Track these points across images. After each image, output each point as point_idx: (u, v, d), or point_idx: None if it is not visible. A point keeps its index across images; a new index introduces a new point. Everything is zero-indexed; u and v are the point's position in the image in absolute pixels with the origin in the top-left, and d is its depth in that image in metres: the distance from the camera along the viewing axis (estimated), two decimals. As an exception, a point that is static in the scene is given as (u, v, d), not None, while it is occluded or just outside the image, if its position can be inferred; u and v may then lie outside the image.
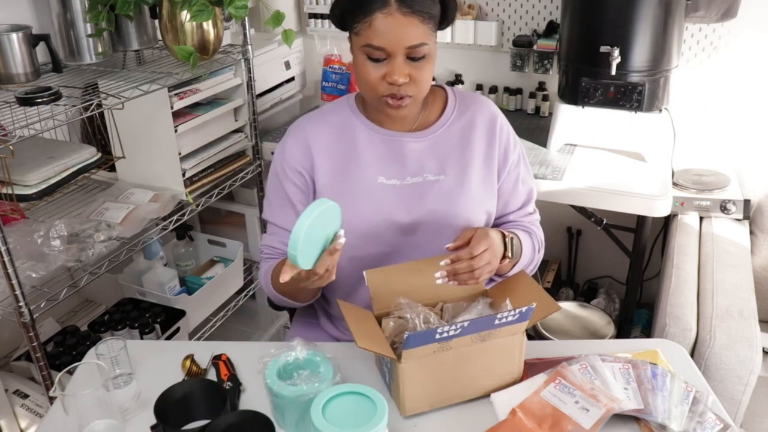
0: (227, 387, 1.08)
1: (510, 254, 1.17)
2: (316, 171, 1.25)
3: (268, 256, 1.32)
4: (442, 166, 1.25)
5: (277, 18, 1.64)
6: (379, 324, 1.10)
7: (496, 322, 0.97)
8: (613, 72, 1.76)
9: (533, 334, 1.99)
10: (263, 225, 2.22)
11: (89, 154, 1.63)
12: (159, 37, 1.76)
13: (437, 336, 0.95)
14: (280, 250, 1.30)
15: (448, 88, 1.31)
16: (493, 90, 2.37)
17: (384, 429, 0.90)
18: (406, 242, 1.24)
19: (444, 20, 1.16)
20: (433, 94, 1.28)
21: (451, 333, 0.95)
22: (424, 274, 1.14)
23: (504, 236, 1.17)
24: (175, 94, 1.71)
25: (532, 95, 2.32)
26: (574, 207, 1.93)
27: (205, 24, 1.66)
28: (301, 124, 1.30)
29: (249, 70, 1.95)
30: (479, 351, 1.01)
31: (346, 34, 1.18)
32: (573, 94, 1.90)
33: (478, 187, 1.25)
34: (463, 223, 1.24)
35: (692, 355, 1.49)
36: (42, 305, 1.43)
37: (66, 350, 1.68)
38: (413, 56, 1.11)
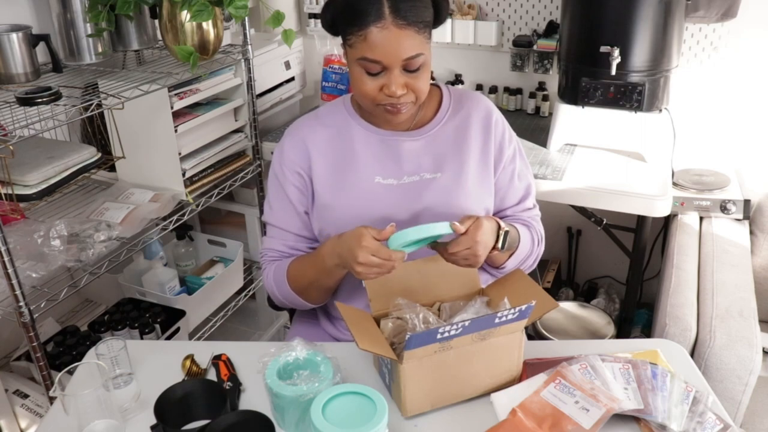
0: (227, 387, 1.08)
1: (500, 246, 1.15)
2: (313, 172, 1.25)
3: (272, 259, 1.31)
4: (439, 164, 1.25)
5: (277, 18, 1.64)
6: (378, 325, 1.10)
7: (497, 320, 0.97)
8: (613, 72, 1.76)
9: (533, 334, 1.99)
10: (263, 225, 2.22)
11: (89, 154, 1.63)
12: (159, 37, 1.76)
13: (439, 336, 0.95)
14: (284, 252, 1.30)
15: (443, 86, 1.32)
16: (493, 90, 2.37)
17: (384, 429, 0.90)
18: None
19: (437, 20, 1.16)
20: (428, 92, 1.27)
21: (453, 333, 0.95)
22: (421, 275, 1.14)
23: (499, 228, 1.16)
24: (175, 94, 1.71)
25: (532, 95, 2.32)
26: (574, 207, 1.93)
27: (205, 24, 1.66)
28: (298, 125, 1.31)
29: (249, 70, 1.95)
30: (479, 350, 1.01)
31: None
32: (573, 94, 1.90)
33: (474, 184, 1.26)
34: (458, 219, 1.24)
35: (692, 355, 1.49)
36: (42, 305, 1.43)
37: (66, 350, 1.68)
38: (409, 68, 1.12)
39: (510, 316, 0.97)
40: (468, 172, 1.25)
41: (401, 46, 1.09)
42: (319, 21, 2.50)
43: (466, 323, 0.95)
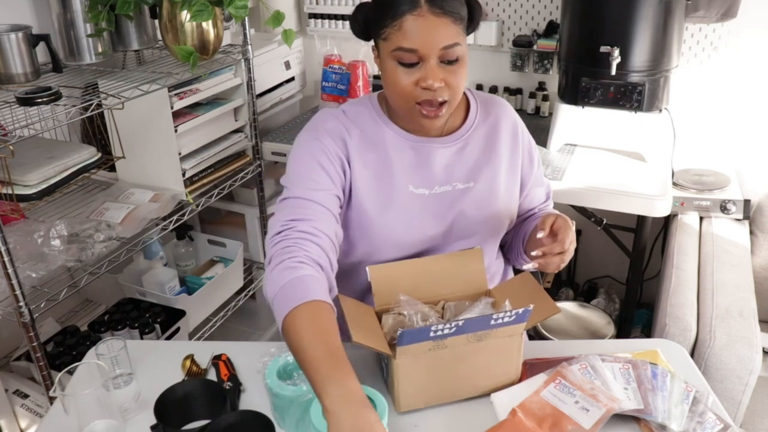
0: (227, 387, 1.08)
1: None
2: (354, 171, 1.16)
3: (296, 240, 1.03)
4: (471, 173, 1.22)
5: (277, 18, 1.64)
6: (380, 320, 1.10)
7: (492, 322, 0.97)
8: (613, 72, 1.76)
9: (533, 335, 1.99)
10: (263, 224, 2.22)
11: (89, 154, 1.63)
12: (159, 37, 1.76)
13: (431, 334, 0.95)
14: (311, 222, 1.07)
15: (467, 90, 1.27)
16: (493, 90, 2.37)
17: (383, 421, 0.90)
18: (432, 248, 1.23)
19: (471, 24, 1.12)
20: None
21: (446, 332, 0.95)
22: (428, 272, 1.13)
23: None
24: (175, 94, 1.72)
25: (532, 95, 2.32)
26: (574, 207, 1.93)
27: (205, 24, 1.66)
28: (330, 120, 1.19)
29: (249, 70, 1.95)
30: (475, 351, 1.00)
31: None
32: (573, 94, 1.90)
33: (505, 191, 1.25)
34: (489, 229, 1.24)
35: (692, 355, 1.49)
36: (42, 305, 1.43)
37: (66, 350, 1.68)
38: (447, 59, 1.06)
39: (506, 319, 0.97)
40: (500, 180, 1.23)
41: (438, 33, 1.04)
42: (319, 21, 2.50)
43: (460, 323, 0.95)
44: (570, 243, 1.09)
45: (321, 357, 0.88)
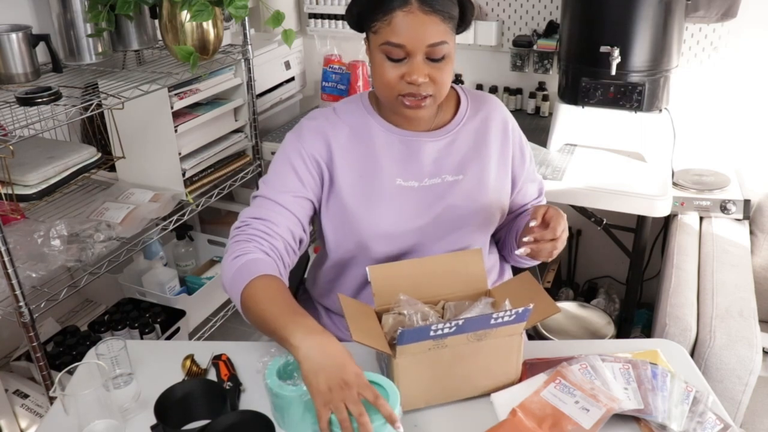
0: (227, 387, 1.08)
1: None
2: (336, 170, 1.20)
3: (250, 236, 1.13)
4: (461, 165, 1.24)
5: (277, 18, 1.64)
6: (380, 320, 1.10)
7: (492, 321, 0.97)
8: (613, 72, 1.76)
9: (533, 335, 1.99)
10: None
11: (89, 154, 1.63)
12: (159, 37, 1.76)
13: (431, 333, 0.95)
14: (270, 224, 1.15)
15: (458, 87, 1.31)
16: (493, 90, 2.37)
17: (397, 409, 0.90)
18: (422, 241, 1.24)
19: (462, 23, 1.14)
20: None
21: (446, 331, 0.95)
22: (428, 272, 1.13)
23: None
24: (175, 94, 1.72)
25: (532, 95, 2.32)
26: (574, 207, 1.93)
27: (205, 24, 1.66)
28: (317, 118, 1.24)
29: (249, 70, 1.95)
30: (475, 350, 1.01)
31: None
32: (573, 94, 1.90)
33: (495, 185, 1.26)
34: (479, 220, 1.25)
35: (692, 355, 1.49)
36: (42, 305, 1.43)
37: (66, 350, 1.68)
38: (433, 56, 1.09)
39: (506, 318, 0.97)
40: (489, 174, 1.25)
41: (426, 31, 1.07)
42: (319, 21, 2.50)
43: (460, 322, 0.95)
44: (562, 231, 1.11)
45: (279, 312, 0.99)
